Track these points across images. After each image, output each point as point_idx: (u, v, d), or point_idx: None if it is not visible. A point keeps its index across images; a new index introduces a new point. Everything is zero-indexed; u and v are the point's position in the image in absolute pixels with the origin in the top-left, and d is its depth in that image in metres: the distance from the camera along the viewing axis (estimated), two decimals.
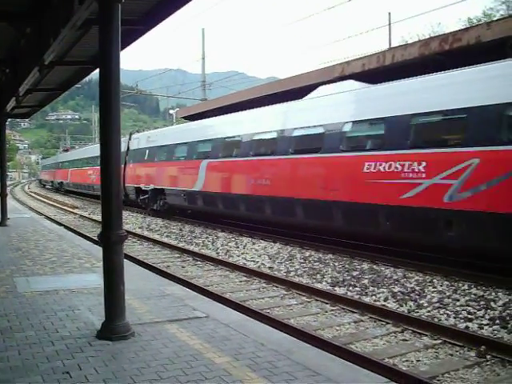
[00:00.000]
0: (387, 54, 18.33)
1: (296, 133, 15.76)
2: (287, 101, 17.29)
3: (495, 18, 30.17)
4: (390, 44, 27.88)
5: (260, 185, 17.09)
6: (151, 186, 26.00)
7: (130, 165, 29.04)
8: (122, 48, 6.17)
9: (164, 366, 4.73)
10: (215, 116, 22.98)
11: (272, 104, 18.14)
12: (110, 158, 5.63)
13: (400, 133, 12.24)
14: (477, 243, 10.73)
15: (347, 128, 13.94)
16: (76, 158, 49.29)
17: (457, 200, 10.82)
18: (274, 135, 16.69)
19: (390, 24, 29.08)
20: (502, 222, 10.01)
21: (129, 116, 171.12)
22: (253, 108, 19.47)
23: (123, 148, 26.62)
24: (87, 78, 18.03)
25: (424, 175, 11.46)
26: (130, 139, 30.24)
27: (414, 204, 11.66)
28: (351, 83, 15.21)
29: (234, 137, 19.28)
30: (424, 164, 11.47)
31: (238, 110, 20.85)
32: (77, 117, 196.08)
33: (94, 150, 39.96)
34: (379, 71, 17.61)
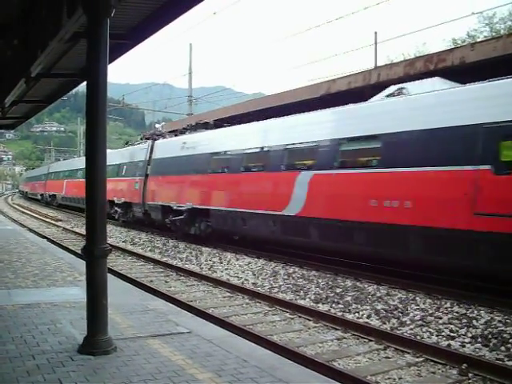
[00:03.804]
0: (373, 73, 18.54)
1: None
2: (273, 117, 17.64)
3: (479, 39, 30.65)
4: (376, 62, 28.11)
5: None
6: (51, 193, 49.44)
7: (49, 181, 51.82)
8: (110, 62, 6.18)
9: (146, 381, 4.70)
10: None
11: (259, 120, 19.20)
12: (95, 172, 5.59)
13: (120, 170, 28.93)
14: (129, 218, 27.26)
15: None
16: (32, 176, 72.51)
17: (132, 196, 26.44)
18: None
19: (376, 43, 29.34)
20: (126, 205, 27.06)
21: (114, 129, 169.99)
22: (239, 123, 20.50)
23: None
24: (73, 91, 18.27)
25: (121, 188, 27.55)
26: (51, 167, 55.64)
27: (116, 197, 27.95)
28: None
29: (70, 170, 43.00)
30: (120, 184, 27.64)
31: (223, 125, 21.89)
32: (62, 129, 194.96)
33: (41, 170, 64.85)
34: (365, 89, 17.79)
